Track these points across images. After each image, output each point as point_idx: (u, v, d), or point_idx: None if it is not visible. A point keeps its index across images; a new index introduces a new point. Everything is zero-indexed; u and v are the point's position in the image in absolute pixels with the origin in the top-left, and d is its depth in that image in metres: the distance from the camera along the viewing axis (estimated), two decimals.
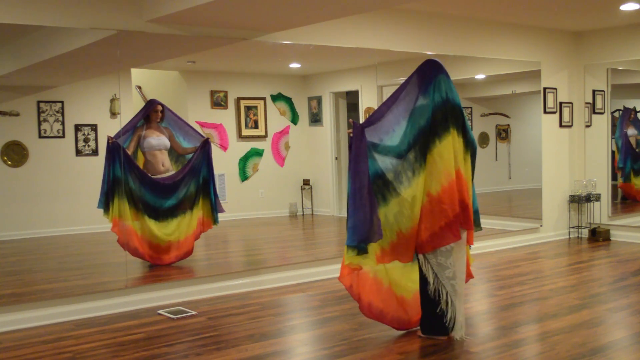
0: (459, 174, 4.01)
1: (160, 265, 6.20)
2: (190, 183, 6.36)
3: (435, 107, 4.01)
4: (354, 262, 4.12)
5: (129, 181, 5.99)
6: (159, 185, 6.22)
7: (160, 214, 6.21)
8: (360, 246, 4.09)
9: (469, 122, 4.24)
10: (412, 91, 4.13)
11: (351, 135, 4.16)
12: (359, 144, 4.11)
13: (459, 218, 4.03)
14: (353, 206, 4.09)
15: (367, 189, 4.08)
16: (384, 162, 4.10)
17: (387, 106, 4.17)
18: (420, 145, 4.04)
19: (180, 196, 6.32)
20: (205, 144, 6.44)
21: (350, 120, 4.25)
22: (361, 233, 4.08)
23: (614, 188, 8.69)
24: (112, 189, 5.92)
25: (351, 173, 4.12)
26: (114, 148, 5.96)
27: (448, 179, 3.99)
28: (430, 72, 4.06)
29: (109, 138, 5.99)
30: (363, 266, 4.16)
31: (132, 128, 6.26)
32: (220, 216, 6.48)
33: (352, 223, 4.08)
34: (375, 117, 4.17)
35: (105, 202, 5.95)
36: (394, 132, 4.12)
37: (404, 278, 4.27)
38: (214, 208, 6.41)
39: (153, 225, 6.15)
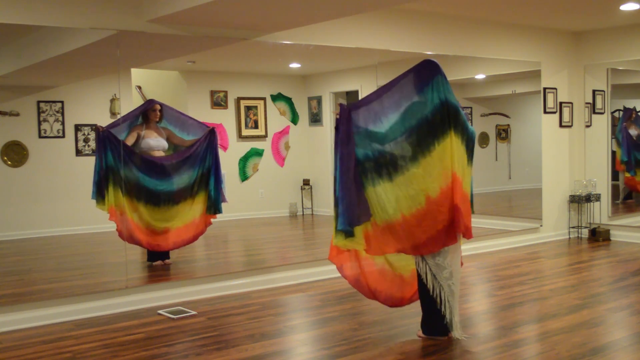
0: (454, 177, 3.99)
1: (158, 253, 6.19)
2: (192, 170, 6.32)
3: (434, 109, 3.98)
4: (341, 244, 4.08)
5: (123, 167, 5.96)
6: (156, 166, 6.17)
7: (160, 199, 6.17)
8: (348, 230, 4.05)
9: (467, 119, 4.24)
10: (406, 88, 4.09)
11: (338, 117, 4.10)
12: (346, 127, 4.07)
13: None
14: (342, 191, 4.05)
15: (354, 172, 4.05)
16: (370, 147, 4.07)
17: (377, 95, 4.14)
18: (411, 142, 4.02)
19: (179, 182, 6.28)
20: (210, 134, 6.44)
21: (338, 103, 4.21)
22: (351, 216, 4.05)
23: (615, 188, 8.69)
24: (107, 177, 5.89)
25: (338, 156, 4.07)
26: (105, 136, 5.93)
27: (446, 182, 3.98)
28: (427, 73, 4.02)
29: (99, 127, 5.97)
30: (351, 249, 4.12)
31: (128, 120, 6.23)
32: (221, 216, 6.48)
33: (343, 207, 4.04)
34: (364, 102, 4.14)
35: (99, 192, 5.91)
36: (381, 124, 4.09)
37: (401, 257, 4.26)
38: (212, 197, 6.36)
39: (150, 210, 6.10)
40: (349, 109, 4.11)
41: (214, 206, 6.42)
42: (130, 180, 6.04)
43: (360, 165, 4.07)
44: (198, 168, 6.37)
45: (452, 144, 3.98)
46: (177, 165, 6.31)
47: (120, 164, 5.95)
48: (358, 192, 4.06)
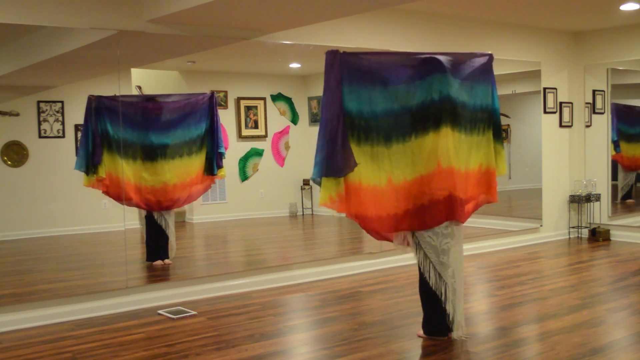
0: (442, 169, 3.96)
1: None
2: (188, 127, 6.37)
3: (422, 104, 3.97)
4: (326, 203, 3.91)
5: (118, 129, 5.94)
6: (153, 111, 6.21)
7: (157, 154, 6.22)
8: (318, 181, 3.87)
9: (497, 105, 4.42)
10: (402, 73, 4.03)
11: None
12: (335, 74, 3.83)
13: (425, 209, 3.99)
14: (323, 139, 3.81)
15: (339, 120, 3.82)
16: (350, 103, 3.89)
17: (370, 61, 4.00)
18: (388, 124, 3.96)
19: (175, 136, 6.32)
20: (210, 98, 6.48)
21: (326, 51, 3.99)
22: (331, 166, 3.81)
23: (614, 188, 8.68)
24: (101, 144, 5.90)
25: (322, 104, 3.87)
26: (98, 102, 5.93)
27: (414, 175, 3.98)
28: (427, 68, 4.00)
29: (90, 96, 5.96)
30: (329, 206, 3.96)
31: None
32: (221, 216, 6.48)
33: (321, 156, 3.80)
34: (359, 56, 3.96)
35: (91, 162, 5.91)
36: (365, 89, 3.94)
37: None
38: (209, 158, 6.43)
39: (147, 167, 6.15)
40: (341, 56, 3.85)
41: (210, 167, 6.47)
42: (128, 137, 6.03)
43: (349, 118, 3.89)
44: (195, 127, 6.39)
45: (447, 140, 3.98)
46: (173, 117, 6.32)
47: (112, 125, 5.90)
48: (344, 140, 3.84)
